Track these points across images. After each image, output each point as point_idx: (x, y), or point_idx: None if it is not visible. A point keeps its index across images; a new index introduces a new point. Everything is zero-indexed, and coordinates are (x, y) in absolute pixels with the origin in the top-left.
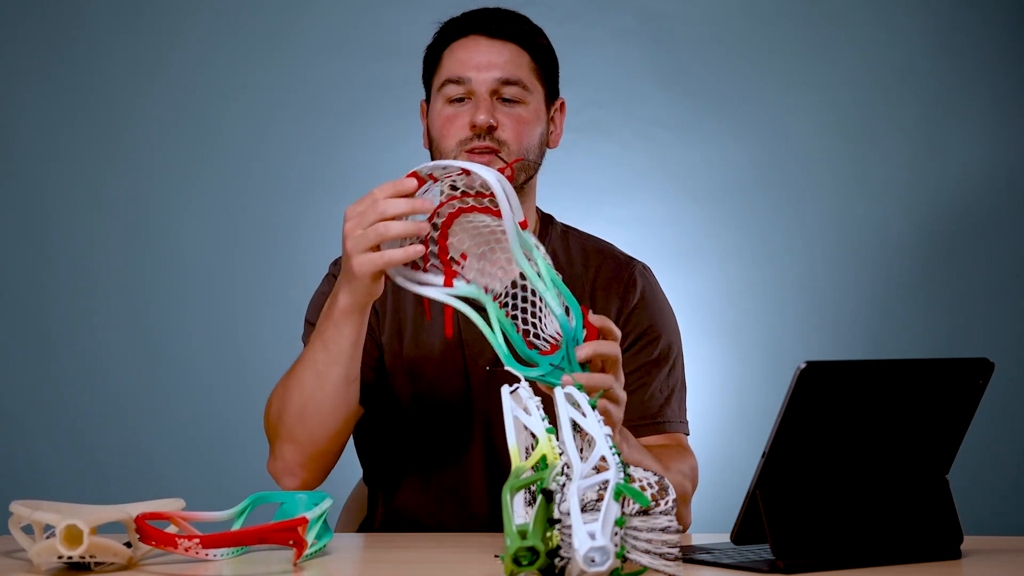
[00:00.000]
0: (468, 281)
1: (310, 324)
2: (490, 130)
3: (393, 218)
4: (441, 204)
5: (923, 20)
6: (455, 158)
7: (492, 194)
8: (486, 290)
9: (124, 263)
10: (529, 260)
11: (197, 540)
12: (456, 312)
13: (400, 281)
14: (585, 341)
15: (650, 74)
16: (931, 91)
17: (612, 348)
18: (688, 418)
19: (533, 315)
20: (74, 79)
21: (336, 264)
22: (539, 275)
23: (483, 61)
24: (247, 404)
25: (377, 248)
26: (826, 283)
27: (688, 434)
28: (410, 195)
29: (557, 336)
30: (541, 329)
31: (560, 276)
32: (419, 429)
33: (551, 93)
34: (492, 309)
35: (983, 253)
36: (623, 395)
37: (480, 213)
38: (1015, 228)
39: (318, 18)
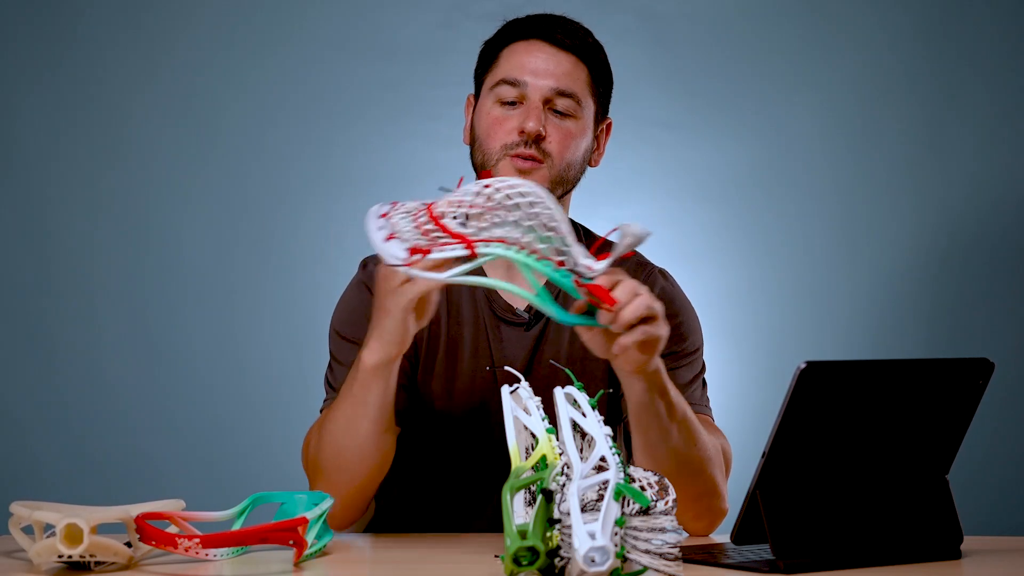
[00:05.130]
0: (487, 241)
1: (340, 336)
2: (538, 139)
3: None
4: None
5: (924, 19)
6: (498, 162)
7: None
8: (511, 244)
9: (124, 263)
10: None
11: (197, 540)
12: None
13: (412, 271)
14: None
15: (650, 74)
16: (933, 91)
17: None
18: None
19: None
20: (74, 79)
21: (365, 269)
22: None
23: (541, 68)
24: (247, 404)
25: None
26: (826, 283)
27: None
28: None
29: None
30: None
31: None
32: (445, 449)
33: (601, 111)
34: (522, 258)
35: (983, 253)
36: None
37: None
38: (1016, 228)
39: (318, 18)
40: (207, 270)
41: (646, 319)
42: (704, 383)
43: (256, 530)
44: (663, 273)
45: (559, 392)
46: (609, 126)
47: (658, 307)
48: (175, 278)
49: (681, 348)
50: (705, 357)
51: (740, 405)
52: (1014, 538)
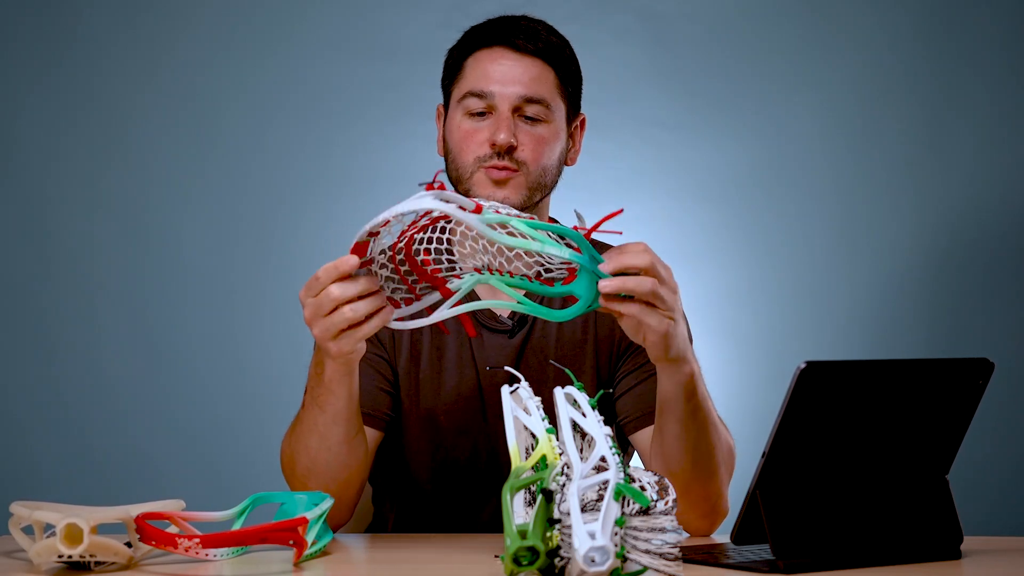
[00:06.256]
0: (459, 276)
1: None
2: (510, 150)
3: (349, 300)
4: (395, 243)
5: (924, 19)
6: (472, 175)
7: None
8: (482, 271)
9: (124, 263)
10: (504, 230)
11: (197, 540)
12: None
13: (398, 325)
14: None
15: (650, 74)
16: (933, 91)
17: (638, 279)
18: None
19: (534, 258)
20: (74, 79)
21: None
22: (524, 236)
23: (507, 76)
24: (247, 404)
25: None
26: (826, 283)
27: None
28: (352, 270)
29: (567, 264)
30: (548, 263)
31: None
32: (434, 458)
33: (573, 109)
34: (496, 281)
35: (984, 253)
36: (672, 284)
37: (433, 224)
38: (1016, 228)
39: (318, 18)
40: (207, 270)
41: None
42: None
43: (256, 530)
44: None
45: (559, 392)
46: (583, 122)
47: (663, 270)
48: (175, 278)
49: None
50: (706, 357)
51: (740, 405)
52: (1014, 538)
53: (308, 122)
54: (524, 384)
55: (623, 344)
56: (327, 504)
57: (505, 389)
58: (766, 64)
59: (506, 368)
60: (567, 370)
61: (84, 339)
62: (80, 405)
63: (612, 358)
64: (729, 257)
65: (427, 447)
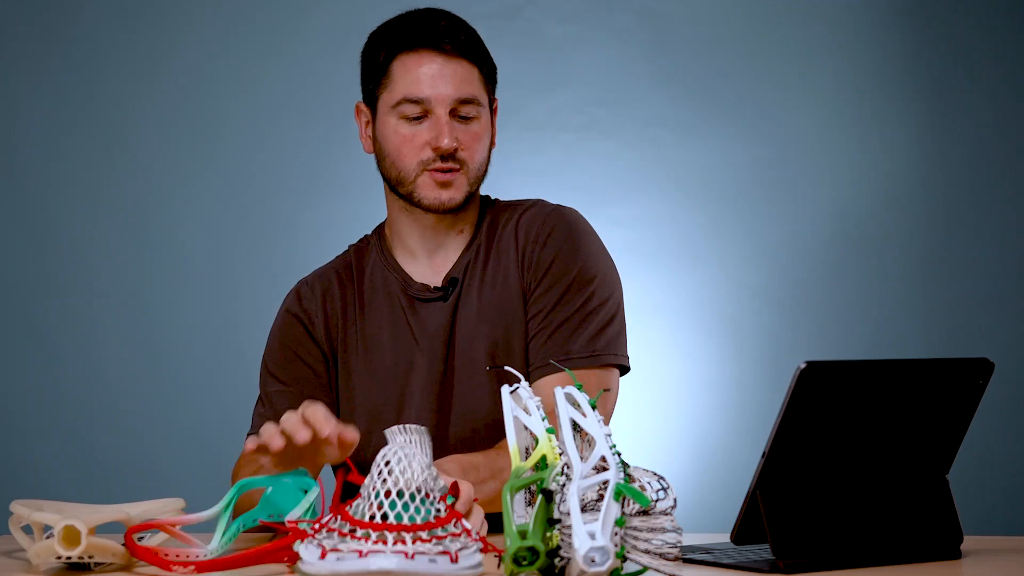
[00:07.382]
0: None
1: (267, 367)
2: (453, 151)
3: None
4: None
5: (924, 20)
6: (416, 178)
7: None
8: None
9: (124, 263)
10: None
11: (192, 567)
12: None
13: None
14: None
15: (650, 74)
16: (931, 90)
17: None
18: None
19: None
20: (74, 79)
21: (300, 299)
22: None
23: (440, 80)
24: (247, 404)
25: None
26: (826, 283)
27: (614, 365)
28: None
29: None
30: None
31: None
32: (375, 433)
33: (491, 99)
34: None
35: (983, 253)
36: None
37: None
38: (1015, 227)
39: (319, 18)
40: (207, 270)
41: None
42: (610, 324)
43: (252, 553)
44: (566, 211)
45: (559, 392)
46: (496, 107)
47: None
48: (175, 278)
49: (568, 281)
50: (706, 357)
51: (740, 405)
52: (1014, 538)
53: (308, 122)
54: (524, 384)
55: (530, 291)
56: (313, 494)
57: (505, 389)
58: (766, 64)
59: (507, 368)
60: (568, 370)
61: (84, 339)
62: (80, 405)
63: (526, 304)
64: (729, 257)
65: (369, 425)
